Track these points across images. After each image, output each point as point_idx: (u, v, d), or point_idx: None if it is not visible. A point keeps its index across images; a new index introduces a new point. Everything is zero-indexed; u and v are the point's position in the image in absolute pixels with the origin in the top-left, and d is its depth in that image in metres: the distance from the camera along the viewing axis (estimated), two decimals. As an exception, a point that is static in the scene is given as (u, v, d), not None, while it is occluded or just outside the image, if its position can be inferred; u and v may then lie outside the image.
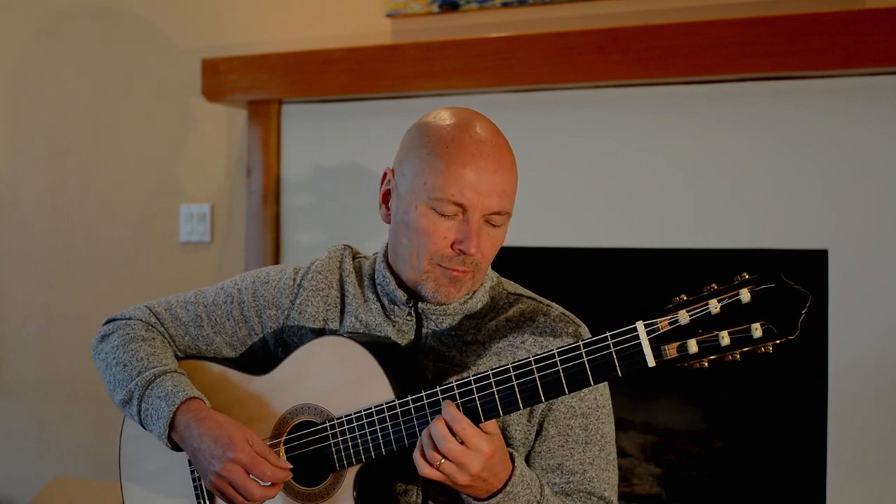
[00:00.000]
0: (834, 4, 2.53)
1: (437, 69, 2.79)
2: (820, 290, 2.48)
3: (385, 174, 1.69)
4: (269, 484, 1.60)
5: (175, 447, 1.68)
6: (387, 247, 1.72)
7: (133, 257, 3.35)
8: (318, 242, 3.01)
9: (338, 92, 2.92)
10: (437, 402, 1.52)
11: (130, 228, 3.36)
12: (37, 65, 3.48)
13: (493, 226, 1.61)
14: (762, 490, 2.73)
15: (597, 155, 2.72)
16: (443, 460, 1.47)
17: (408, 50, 2.83)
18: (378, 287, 1.71)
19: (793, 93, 2.54)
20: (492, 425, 1.50)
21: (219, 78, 3.04)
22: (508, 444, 1.64)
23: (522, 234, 2.77)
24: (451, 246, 1.59)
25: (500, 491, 1.53)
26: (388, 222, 1.69)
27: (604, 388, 1.70)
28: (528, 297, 1.73)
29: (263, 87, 3.00)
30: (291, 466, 1.63)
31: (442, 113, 1.64)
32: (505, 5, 2.83)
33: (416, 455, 1.50)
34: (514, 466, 1.54)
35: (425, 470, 1.48)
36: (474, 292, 1.68)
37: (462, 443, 1.47)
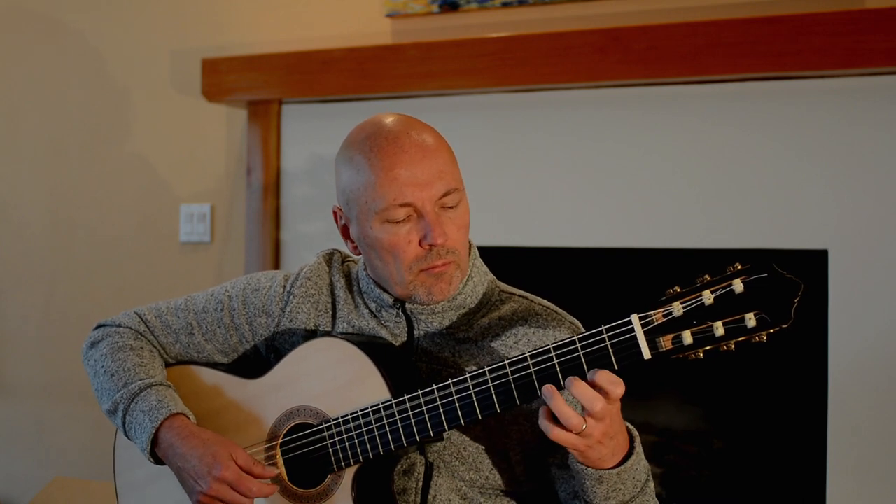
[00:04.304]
0: (834, 4, 2.52)
1: (437, 69, 2.79)
2: (820, 290, 2.48)
3: (335, 212, 1.69)
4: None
5: (158, 461, 1.67)
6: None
7: (133, 257, 3.35)
8: (318, 242, 3.00)
9: (338, 92, 2.92)
10: (434, 401, 1.52)
11: (130, 228, 3.36)
12: (36, 64, 3.49)
13: (451, 207, 1.59)
14: (762, 490, 2.73)
15: (597, 155, 2.72)
16: (585, 424, 1.42)
17: (408, 50, 2.83)
18: (364, 295, 1.70)
19: (793, 93, 2.53)
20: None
21: (219, 78, 3.05)
22: (506, 444, 1.63)
23: (522, 234, 2.77)
24: (420, 245, 1.58)
25: (629, 455, 1.49)
26: (358, 253, 1.69)
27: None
28: (520, 296, 1.72)
29: (263, 87, 3.00)
30: (277, 472, 1.62)
31: (352, 134, 1.64)
32: (505, 5, 2.83)
33: (545, 422, 1.44)
34: (629, 428, 1.51)
35: (554, 433, 1.42)
36: (463, 287, 1.66)
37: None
